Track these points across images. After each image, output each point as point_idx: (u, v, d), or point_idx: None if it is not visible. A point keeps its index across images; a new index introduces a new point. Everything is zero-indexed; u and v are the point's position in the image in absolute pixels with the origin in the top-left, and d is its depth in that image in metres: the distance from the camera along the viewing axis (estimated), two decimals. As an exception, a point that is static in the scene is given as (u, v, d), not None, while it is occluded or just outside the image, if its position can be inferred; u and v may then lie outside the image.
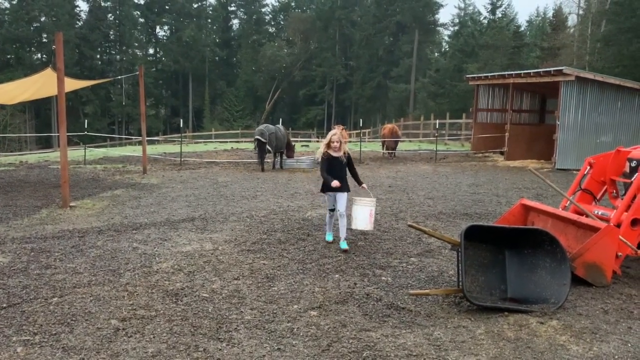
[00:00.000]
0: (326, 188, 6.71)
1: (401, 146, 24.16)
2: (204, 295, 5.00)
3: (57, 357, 3.74)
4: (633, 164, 6.25)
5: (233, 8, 79.78)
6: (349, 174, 6.85)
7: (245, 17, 78.93)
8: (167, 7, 71.06)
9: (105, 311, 4.57)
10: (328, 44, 71.55)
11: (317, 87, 70.59)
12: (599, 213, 6.18)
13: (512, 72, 20.39)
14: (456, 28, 68.88)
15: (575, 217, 5.92)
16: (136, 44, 70.83)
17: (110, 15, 67.55)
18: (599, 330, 4.30)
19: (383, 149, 21.69)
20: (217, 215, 8.85)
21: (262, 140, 15.72)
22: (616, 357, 3.85)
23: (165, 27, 74.14)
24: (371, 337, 4.10)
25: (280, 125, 17.39)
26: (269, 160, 16.95)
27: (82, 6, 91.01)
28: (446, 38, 74.74)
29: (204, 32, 72.86)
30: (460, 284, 4.72)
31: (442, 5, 68.66)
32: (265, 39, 77.36)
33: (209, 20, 77.11)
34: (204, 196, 10.96)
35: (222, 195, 11.04)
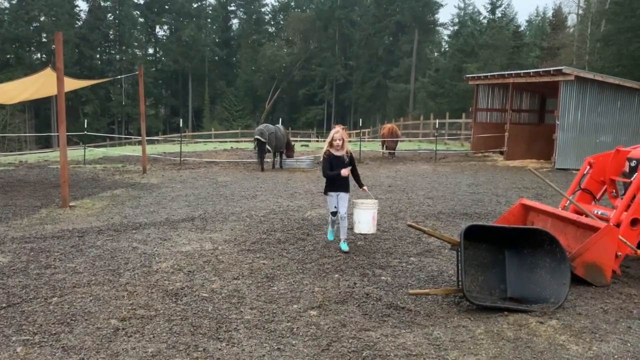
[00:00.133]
0: (329, 189, 6.60)
1: (401, 146, 24.18)
2: (204, 295, 5.00)
3: (57, 357, 3.74)
4: (633, 164, 6.25)
5: (233, 8, 79.83)
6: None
7: (245, 16, 78.97)
8: (166, 6, 71.10)
9: (105, 311, 4.57)
10: (328, 43, 71.60)
11: (316, 86, 70.63)
12: (599, 213, 6.18)
13: (511, 72, 20.41)
14: (456, 28, 68.92)
15: (574, 216, 5.92)
16: (136, 44, 70.88)
17: (109, 15, 67.60)
18: (599, 330, 4.30)
19: (383, 149, 21.70)
20: (217, 215, 8.85)
21: (262, 140, 15.72)
22: (616, 356, 3.85)
23: (165, 27, 74.22)
24: (371, 337, 4.10)
25: (280, 125, 17.40)
26: (268, 160, 16.96)
27: (82, 6, 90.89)
28: (446, 38, 74.87)
29: (204, 31, 72.91)
30: (460, 283, 4.72)
31: (441, 5, 68.83)
32: (265, 38, 77.41)
33: (209, 20, 77.15)
34: (203, 196, 10.96)
35: (221, 195, 11.04)
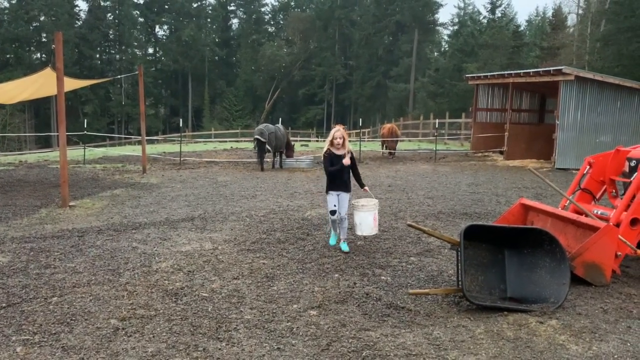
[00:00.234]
0: (329, 188, 6.56)
1: (400, 146, 24.17)
2: (204, 294, 5.00)
3: (57, 357, 3.74)
4: (632, 164, 6.25)
5: (232, 7, 79.82)
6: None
7: (245, 16, 78.96)
8: (166, 6, 71.08)
9: (104, 311, 4.57)
10: (327, 43, 71.60)
11: (316, 86, 70.62)
12: (599, 212, 6.18)
13: (511, 72, 20.41)
14: (456, 27, 68.91)
15: (574, 216, 5.93)
16: (135, 44, 70.83)
17: (109, 14, 67.56)
18: (598, 330, 4.30)
19: (383, 149, 21.70)
20: (217, 214, 8.85)
21: (262, 139, 15.72)
22: (615, 356, 3.85)
23: (165, 27, 74.17)
24: (371, 337, 4.11)
25: (279, 125, 17.40)
26: (268, 159, 16.96)
27: (82, 6, 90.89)
28: (446, 37, 74.85)
29: (204, 31, 72.88)
30: (460, 283, 4.72)
31: (441, 5, 68.78)
32: (265, 38, 77.40)
33: (209, 20, 77.13)
34: (203, 196, 10.96)
35: (221, 195, 11.04)
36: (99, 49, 67.50)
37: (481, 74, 23.60)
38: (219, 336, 4.09)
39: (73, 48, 59.21)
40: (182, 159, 18.33)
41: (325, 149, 6.58)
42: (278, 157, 17.05)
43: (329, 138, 6.54)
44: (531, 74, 18.83)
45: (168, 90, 72.92)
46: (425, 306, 4.77)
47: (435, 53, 71.15)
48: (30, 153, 26.48)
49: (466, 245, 4.84)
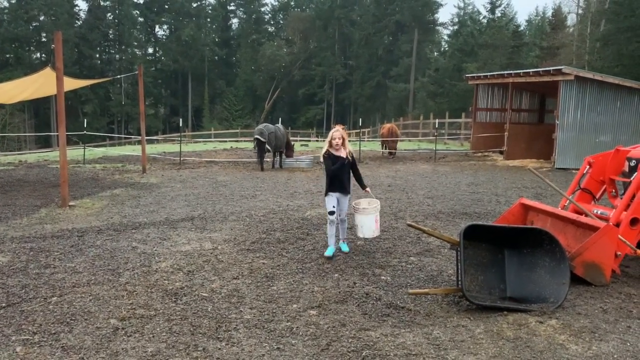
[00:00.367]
0: (329, 189, 6.36)
1: (400, 145, 24.16)
2: (203, 294, 5.00)
3: (57, 357, 3.74)
4: (632, 163, 6.25)
5: (232, 7, 79.79)
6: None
7: (245, 16, 78.93)
8: (166, 6, 71.04)
9: (104, 310, 4.57)
10: (327, 43, 71.58)
11: (316, 86, 70.62)
12: (598, 212, 6.18)
13: (511, 72, 20.40)
14: (455, 27, 68.88)
15: (574, 216, 5.93)
16: (135, 43, 70.78)
17: (109, 14, 67.52)
18: (598, 330, 4.30)
19: (382, 149, 21.70)
20: (217, 214, 8.85)
21: (262, 139, 15.72)
22: (615, 356, 3.85)
23: (165, 27, 74.11)
24: (370, 337, 4.11)
25: (279, 125, 17.40)
26: (268, 159, 16.96)
27: (82, 5, 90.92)
28: (445, 37, 74.80)
29: (203, 31, 72.82)
30: (460, 283, 4.72)
31: (441, 5, 68.71)
32: (265, 38, 77.37)
33: (208, 20, 77.08)
34: (203, 195, 10.95)
35: (221, 195, 11.04)
36: (98, 48, 67.47)
37: (481, 74, 23.59)
38: (219, 336, 4.09)
39: (73, 48, 59.18)
40: (181, 158, 18.33)
41: (324, 150, 6.43)
42: (278, 157, 17.05)
43: (328, 139, 6.41)
44: (531, 73, 18.83)
45: (168, 90, 72.87)
46: (425, 306, 4.77)
47: (435, 53, 71.13)
48: (30, 153, 26.48)
49: (466, 245, 4.84)
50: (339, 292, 5.10)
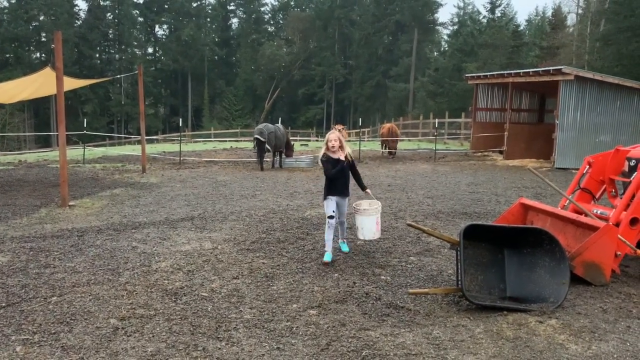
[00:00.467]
0: (328, 192, 6.21)
1: (400, 145, 24.17)
2: (203, 294, 5.00)
3: (56, 357, 3.74)
4: (632, 163, 6.25)
5: (232, 7, 79.84)
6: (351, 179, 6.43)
7: (245, 16, 78.97)
8: (166, 6, 71.07)
9: (104, 310, 4.57)
10: (327, 43, 71.61)
11: (316, 86, 70.65)
12: (598, 212, 6.18)
13: (511, 72, 20.41)
14: (455, 27, 68.95)
15: (574, 216, 5.93)
16: (135, 43, 70.83)
17: (109, 14, 67.56)
18: (598, 329, 4.30)
19: (382, 149, 21.70)
20: (217, 214, 8.85)
21: (262, 139, 15.72)
22: (615, 356, 3.85)
23: (165, 26, 74.16)
24: (370, 336, 4.11)
25: (279, 125, 17.40)
26: (268, 159, 16.96)
27: (81, 5, 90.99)
28: (445, 37, 74.86)
29: (203, 31, 72.86)
30: (460, 283, 4.72)
31: (441, 5, 68.79)
32: (265, 38, 77.41)
33: (208, 20, 77.14)
34: (203, 195, 10.95)
35: (221, 195, 11.04)
36: (98, 48, 67.50)
37: (481, 74, 23.59)
38: (219, 336, 4.09)
39: (72, 47, 59.20)
40: (181, 158, 18.33)
41: (321, 154, 6.26)
42: (278, 157, 17.05)
43: (324, 142, 6.25)
44: (531, 73, 18.83)
45: (168, 89, 72.90)
46: (424, 306, 4.77)
47: (435, 53, 71.17)
48: (29, 152, 26.47)
49: (466, 245, 4.84)
50: (339, 291, 5.10)
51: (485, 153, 21.55)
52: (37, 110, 58.50)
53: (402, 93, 62.97)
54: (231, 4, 79.43)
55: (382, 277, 5.58)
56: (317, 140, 35.89)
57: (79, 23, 64.70)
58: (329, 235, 6.14)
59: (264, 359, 3.73)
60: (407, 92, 62.26)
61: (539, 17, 76.45)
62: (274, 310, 4.61)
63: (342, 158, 6.17)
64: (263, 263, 6.03)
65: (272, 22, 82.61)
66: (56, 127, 13.39)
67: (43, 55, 62.65)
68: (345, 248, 6.52)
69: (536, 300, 4.79)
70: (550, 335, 4.17)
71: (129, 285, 5.21)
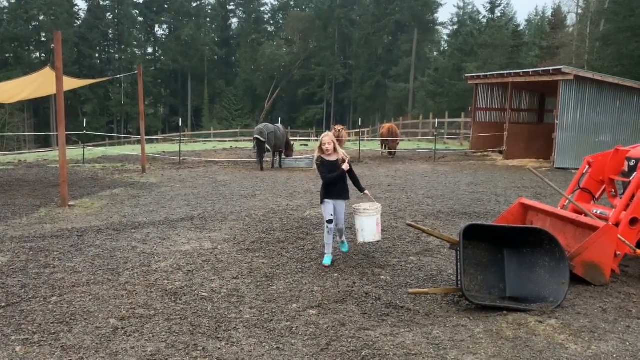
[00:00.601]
0: (325, 196, 6.08)
1: (400, 145, 24.17)
2: (203, 294, 5.00)
3: (56, 356, 3.74)
4: (632, 163, 6.25)
5: (232, 7, 79.78)
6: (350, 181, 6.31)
7: (244, 16, 78.92)
8: (166, 6, 71.03)
9: (104, 310, 4.57)
10: (327, 43, 71.57)
11: (316, 86, 70.62)
12: (598, 212, 6.18)
13: (511, 71, 20.41)
14: (455, 27, 68.92)
15: (574, 216, 5.93)
16: (135, 43, 70.78)
17: (109, 14, 67.53)
18: (598, 329, 4.30)
19: (382, 148, 21.70)
20: (216, 214, 8.85)
21: (261, 139, 15.72)
22: (615, 355, 3.85)
23: (164, 26, 74.10)
24: (370, 336, 4.11)
25: (279, 125, 17.40)
26: (268, 159, 16.96)
27: (81, 5, 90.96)
28: (445, 37, 74.84)
29: (203, 31, 72.83)
30: (459, 283, 4.72)
31: (441, 4, 68.72)
32: (264, 38, 77.36)
33: (208, 19, 77.09)
34: (203, 195, 10.95)
35: (221, 194, 11.04)
36: (98, 48, 67.45)
37: (480, 74, 23.59)
38: (219, 336, 4.09)
39: (72, 47, 59.15)
40: (181, 158, 18.33)
41: (316, 157, 6.15)
42: (277, 157, 17.05)
43: (318, 144, 6.12)
44: (530, 73, 18.83)
45: (167, 89, 72.85)
46: (424, 306, 4.78)
47: (435, 52, 71.17)
48: (29, 152, 26.46)
49: (465, 245, 4.84)
50: (339, 291, 5.10)
51: (485, 153, 21.55)
52: (37, 110, 58.46)
53: (402, 93, 62.96)
54: (231, 4, 79.39)
55: (382, 277, 5.58)
56: (316, 140, 35.88)
57: (78, 23, 64.66)
58: (328, 240, 6.09)
59: (263, 359, 3.73)
60: (407, 92, 62.24)
61: (539, 17, 76.47)
62: (273, 310, 4.61)
63: (338, 160, 6.04)
64: (263, 263, 6.03)
65: (272, 22, 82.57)
66: (56, 127, 13.39)
67: (43, 55, 62.63)
68: (344, 248, 6.52)
69: (536, 300, 4.79)
70: (550, 335, 4.17)
71: (128, 285, 5.21)
